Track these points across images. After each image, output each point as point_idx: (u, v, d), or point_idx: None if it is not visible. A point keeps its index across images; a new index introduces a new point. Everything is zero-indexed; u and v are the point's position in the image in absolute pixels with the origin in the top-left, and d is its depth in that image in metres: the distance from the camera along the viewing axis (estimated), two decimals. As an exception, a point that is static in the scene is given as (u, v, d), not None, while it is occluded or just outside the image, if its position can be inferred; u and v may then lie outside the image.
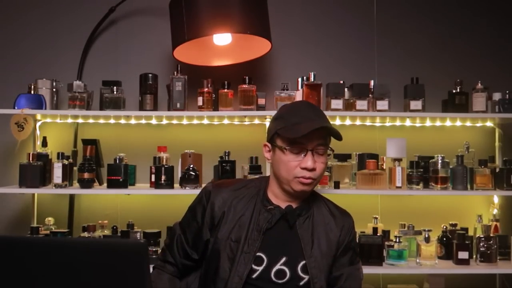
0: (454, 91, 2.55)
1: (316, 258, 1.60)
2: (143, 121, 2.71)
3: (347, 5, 2.87)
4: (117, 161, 2.43)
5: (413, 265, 2.41)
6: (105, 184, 2.48)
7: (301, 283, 1.59)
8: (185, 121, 2.69)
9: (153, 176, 2.44)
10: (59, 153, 2.41)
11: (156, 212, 2.68)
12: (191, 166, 2.41)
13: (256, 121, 2.69)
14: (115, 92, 2.49)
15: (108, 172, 2.42)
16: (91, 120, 2.69)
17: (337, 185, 2.43)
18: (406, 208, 2.73)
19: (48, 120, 2.69)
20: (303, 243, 1.60)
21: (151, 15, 2.83)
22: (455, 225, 2.57)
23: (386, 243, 2.42)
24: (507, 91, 2.52)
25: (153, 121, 2.70)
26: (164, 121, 2.70)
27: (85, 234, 2.45)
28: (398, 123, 2.72)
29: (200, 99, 2.48)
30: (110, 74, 2.73)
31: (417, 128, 2.75)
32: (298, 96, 2.48)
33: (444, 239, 2.50)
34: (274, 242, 1.60)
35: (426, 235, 2.38)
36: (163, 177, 2.40)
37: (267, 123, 2.53)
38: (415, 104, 2.49)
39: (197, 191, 1.73)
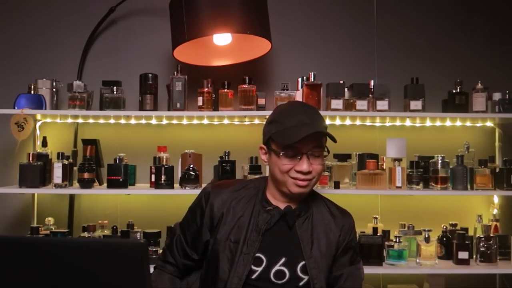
0: (454, 91, 2.55)
1: (316, 259, 1.59)
2: (143, 121, 2.71)
3: (347, 5, 2.87)
4: (117, 161, 2.43)
5: (413, 265, 2.41)
6: (105, 184, 2.48)
7: (301, 283, 1.58)
8: (185, 121, 2.69)
9: (153, 176, 2.44)
10: (59, 153, 2.41)
11: (156, 212, 2.68)
12: (191, 166, 2.41)
13: (256, 121, 2.68)
14: (115, 92, 2.49)
15: (108, 172, 2.42)
16: (91, 120, 2.69)
17: (337, 185, 2.43)
18: (406, 208, 2.73)
19: (48, 120, 2.69)
20: (303, 243, 1.60)
21: (151, 15, 2.83)
22: (455, 225, 2.57)
23: (386, 243, 2.42)
24: (507, 91, 2.52)
25: (153, 121, 2.70)
26: (164, 121, 2.70)
27: (85, 234, 2.45)
28: (398, 123, 2.72)
29: (200, 99, 2.48)
30: (110, 74, 2.73)
31: (417, 128, 2.75)
32: (298, 96, 2.48)
33: (444, 239, 2.50)
34: (274, 243, 1.60)
35: (426, 235, 2.38)
36: (163, 177, 2.40)
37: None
38: (415, 104, 2.49)
39: (197, 191, 1.73)
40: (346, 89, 2.54)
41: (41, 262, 1.15)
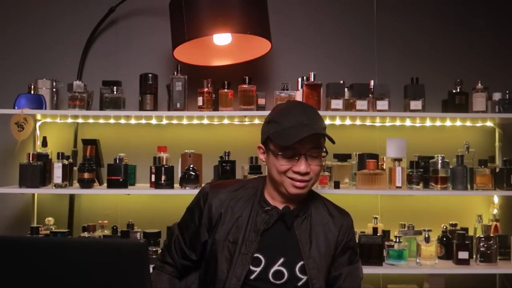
0: (454, 91, 2.55)
1: (315, 259, 1.59)
2: (143, 121, 2.71)
3: (347, 5, 2.87)
4: (117, 161, 2.43)
5: (413, 265, 2.41)
6: (105, 184, 2.48)
7: (299, 283, 1.58)
8: (185, 121, 2.69)
9: (153, 176, 2.45)
10: (59, 153, 2.42)
11: (156, 212, 2.68)
12: (191, 166, 2.41)
13: (256, 121, 2.68)
14: (115, 92, 2.49)
15: (108, 172, 2.42)
16: (91, 120, 2.69)
17: (337, 185, 2.43)
18: (406, 208, 2.73)
19: (48, 120, 2.69)
20: (301, 244, 1.59)
21: (151, 15, 2.83)
22: (455, 225, 2.57)
23: (386, 243, 2.42)
24: (507, 91, 2.52)
25: (153, 121, 2.70)
26: (164, 121, 2.70)
27: (85, 234, 2.45)
28: (398, 123, 2.72)
29: (200, 99, 2.48)
30: (110, 74, 2.74)
31: (417, 128, 2.75)
32: (298, 96, 2.48)
33: (444, 239, 2.50)
34: (272, 243, 1.59)
35: (426, 235, 2.38)
36: (163, 177, 2.40)
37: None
38: (415, 104, 2.49)
39: (197, 191, 1.73)
40: (346, 89, 2.54)
41: (41, 262, 1.15)
